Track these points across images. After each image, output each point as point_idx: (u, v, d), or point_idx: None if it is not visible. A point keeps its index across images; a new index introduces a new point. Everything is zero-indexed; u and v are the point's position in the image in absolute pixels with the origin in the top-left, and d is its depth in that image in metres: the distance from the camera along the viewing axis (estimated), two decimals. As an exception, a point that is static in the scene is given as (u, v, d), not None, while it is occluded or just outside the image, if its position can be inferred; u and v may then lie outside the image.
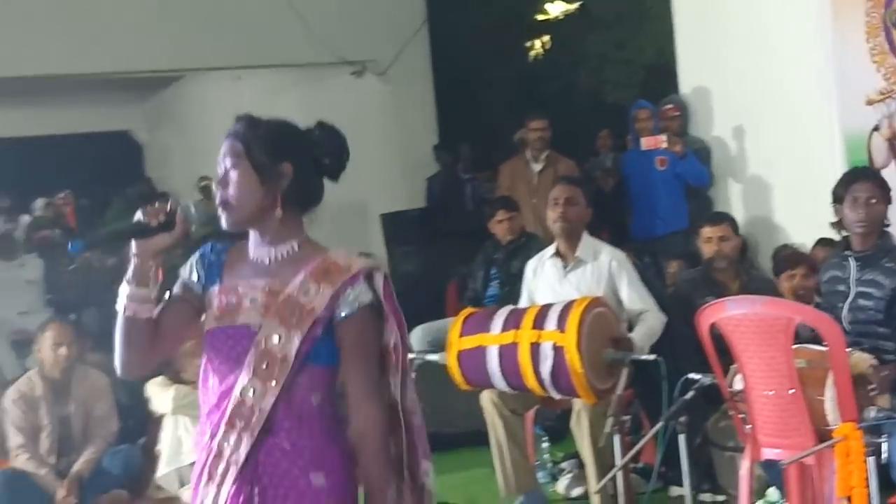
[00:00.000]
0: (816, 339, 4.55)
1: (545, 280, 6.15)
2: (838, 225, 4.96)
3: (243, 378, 2.35)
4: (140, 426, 7.22)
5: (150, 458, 6.87)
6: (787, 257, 6.80)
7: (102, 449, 6.77)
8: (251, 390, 2.34)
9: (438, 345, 6.26)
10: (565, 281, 6.01)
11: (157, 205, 2.40)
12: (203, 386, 2.50)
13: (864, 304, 4.72)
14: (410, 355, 6.40)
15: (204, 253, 2.54)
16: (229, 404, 2.36)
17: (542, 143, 8.69)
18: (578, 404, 5.57)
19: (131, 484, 6.80)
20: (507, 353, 5.50)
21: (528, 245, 7.25)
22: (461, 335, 5.76)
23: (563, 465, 6.41)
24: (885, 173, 5.98)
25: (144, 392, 6.95)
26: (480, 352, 5.62)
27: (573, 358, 5.20)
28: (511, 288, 6.96)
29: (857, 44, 7.32)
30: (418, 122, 12.99)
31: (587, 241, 6.09)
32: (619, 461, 5.19)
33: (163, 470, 6.71)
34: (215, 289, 2.47)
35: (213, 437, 2.39)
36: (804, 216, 7.47)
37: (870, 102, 7.26)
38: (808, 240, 7.27)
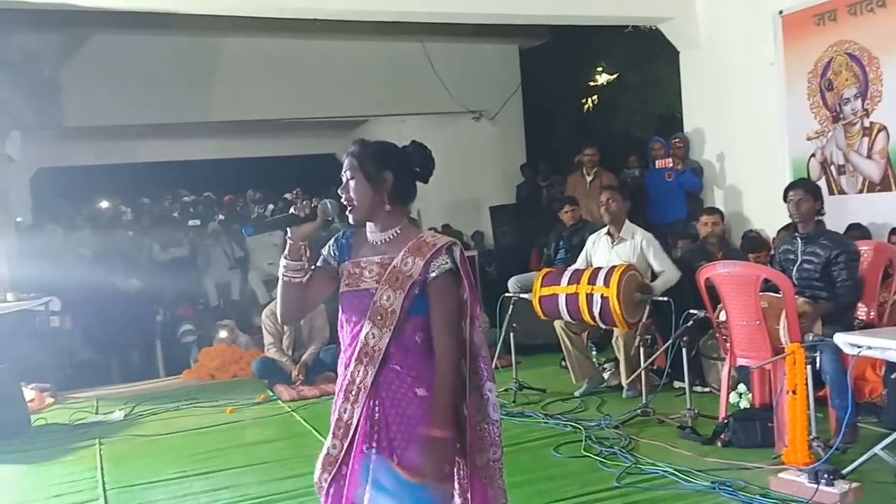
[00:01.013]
0: (774, 289, 4.65)
1: (599, 250, 6.29)
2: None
3: (366, 327, 2.31)
4: None
5: None
6: (753, 240, 6.83)
7: (320, 347, 7.21)
8: (372, 336, 2.30)
9: (526, 288, 6.55)
10: (612, 251, 6.15)
11: (305, 202, 2.41)
12: (340, 331, 2.45)
13: (807, 267, 4.78)
14: (509, 294, 6.68)
15: (338, 238, 2.48)
16: (357, 345, 2.33)
17: (593, 163, 8.75)
18: (616, 330, 5.90)
19: (336, 369, 7.40)
20: (571, 300, 5.85)
21: (583, 228, 7.24)
22: (541, 286, 6.08)
23: (606, 365, 6.43)
24: (820, 184, 6.19)
25: None
26: (554, 298, 5.98)
27: (614, 304, 5.54)
28: (572, 255, 6.98)
29: (801, 101, 7.44)
30: (513, 150, 12.96)
31: (628, 226, 6.20)
32: (642, 364, 5.56)
33: None
34: (346, 263, 2.42)
35: (346, 367, 2.36)
36: (762, 211, 7.62)
37: (809, 139, 7.43)
38: (764, 226, 7.43)
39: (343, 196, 2.38)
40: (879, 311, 5.17)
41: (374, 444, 2.29)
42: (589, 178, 8.75)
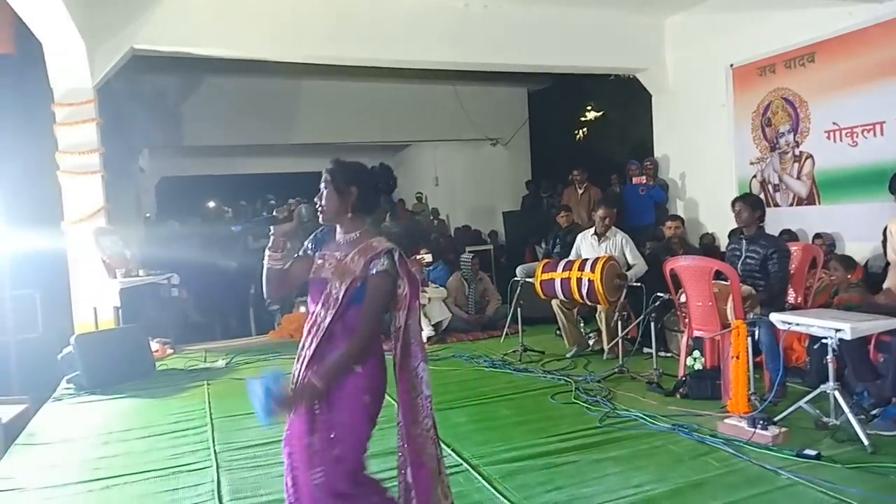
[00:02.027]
0: (723, 278, 4.60)
1: (586, 246, 6.28)
2: None
3: (319, 308, 2.24)
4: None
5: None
6: (709, 245, 7.13)
7: None
8: (320, 315, 2.23)
9: (530, 274, 6.50)
10: (598, 248, 6.16)
11: (284, 206, 2.35)
12: (307, 310, 2.36)
13: (749, 262, 4.72)
14: (517, 278, 6.70)
15: (316, 234, 2.42)
16: (311, 321, 2.27)
17: (582, 180, 8.66)
18: (600, 307, 5.86)
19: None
20: (565, 283, 5.88)
21: (574, 229, 7.16)
22: (542, 272, 6.10)
23: (591, 334, 6.35)
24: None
25: None
26: (552, 281, 6.00)
27: (598, 286, 5.58)
28: (565, 250, 6.92)
29: (746, 133, 7.49)
30: (521, 169, 13.04)
31: (613, 228, 6.20)
32: (619, 333, 5.66)
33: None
34: (317, 255, 2.35)
35: (302, 340, 2.28)
36: (714, 219, 7.73)
37: (751, 163, 7.48)
38: (714, 230, 7.58)
39: (317, 202, 2.30)
40: (805, 296, 5.10)
41: (312, 405, 2.18)
42: (580, 192, 8.72)
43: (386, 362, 2.30)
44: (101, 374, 5.62)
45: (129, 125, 9.16)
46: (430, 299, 7.24)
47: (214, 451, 4.01)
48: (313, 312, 2.27)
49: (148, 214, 11.87)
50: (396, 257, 2.23)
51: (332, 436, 2.18)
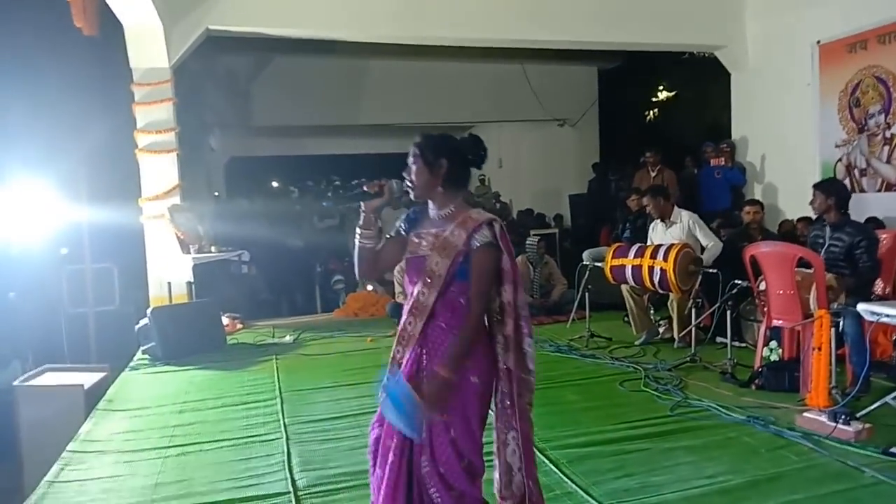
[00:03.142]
0: (807, 265, 4.48)
1: (658, 232, 6.14)
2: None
3: (419, 287, 2.19)
4: None
5: None
6: (790, 230, 6.77)
7: None
8: (422, 294, 2.18)
9: (597, 258, 6.44)
10: (667, 233, 6.02)
11: (374, 181, 2.29)
12: (405, 290, 2.33)
13: (834, 250, 4.57)
14: (585, 263, 6.63)
15: (408, 214, 2.37)
16: (412, 301, 2.22)
17: (655, 162, 8.34)
18: (672, 295, 5.73)
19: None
20: (636, 270, 5.72)
21: (644, 214, 6.88)
22: (612, 258, 5.96)
23: (661, 322, 6.24)
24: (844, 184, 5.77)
25: None
26: (622, 267, 5.85)
27: (671, 275, 5.42)
28: (634, 234, 6.89)
29: (832, 114, 7.19)
30: (589, 151, 12.79)
31: (676, 211, 6.04)
32: (693, 321, 5.44)
33: None
34: (412, 234, 2.29)
35: (404, 318, 2.24)
36: (794, 204, 7.23)
37: (837, 146, 7.20)
38: (794, 216, 7.09)
39: (406, 178, 2.26)
40: (894, 287, 4.91)
41: (421, 384, 2.13)
42: (653, 174, 8.42)
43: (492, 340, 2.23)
44: (175, 346, 5.85)
45: (202, 105, 9.45)
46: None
47: (284, 423, 4.11)
48: (414, 292, 2.21)
49: (217, 193, 12.22)
50: (497, 229, 2.18)
51: (444, 419, 2.13)
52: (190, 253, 6.71)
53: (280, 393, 4.78)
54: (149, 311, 6.01)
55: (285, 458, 3.57)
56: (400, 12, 7.18)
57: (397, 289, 7.38)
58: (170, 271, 6.73)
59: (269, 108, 11.39)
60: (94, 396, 4.79)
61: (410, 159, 2.25)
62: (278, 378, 5.19)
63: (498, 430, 2.25)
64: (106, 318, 7.15)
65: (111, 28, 6.55)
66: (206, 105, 9.79)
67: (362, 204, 2.28)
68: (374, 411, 4.16)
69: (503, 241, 2.18)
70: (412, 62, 11.22)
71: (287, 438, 3.85)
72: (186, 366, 5.64)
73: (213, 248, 6.98)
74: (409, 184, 2.25)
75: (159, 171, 6.88)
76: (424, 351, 2.18)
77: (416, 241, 2.27)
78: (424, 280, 2.17)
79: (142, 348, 6.00)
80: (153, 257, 6.86)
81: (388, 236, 2.35)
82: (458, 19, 7.32)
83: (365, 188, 2.29)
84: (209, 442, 3.86)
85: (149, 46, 6.68)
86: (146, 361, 5.83)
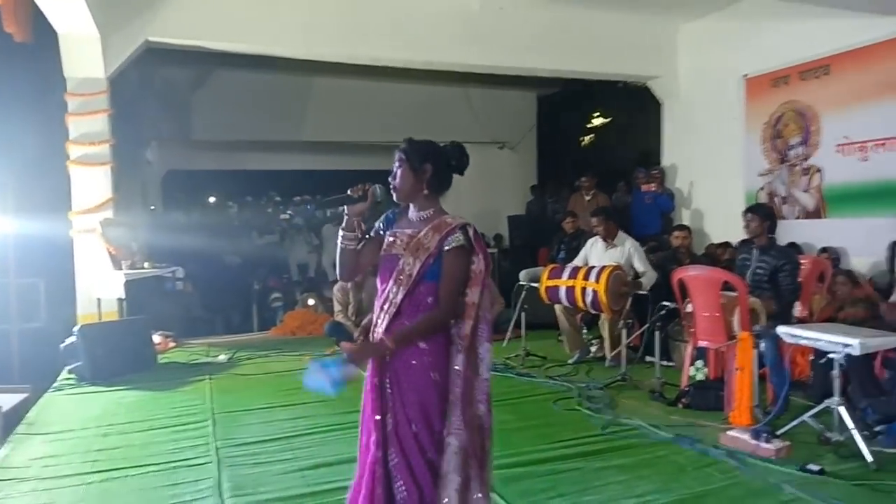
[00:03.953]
0: (731, 288, 4.56)
1: (595, 251, 6.21)
2: None
3: (391, 284, 2.24)
4: None
5: None
6: (714, 254, 6.88)
7: None
8: (392, 292, 2.23)
9: (533, 279, 6.43)
10: (606, 254, 6.10)
11: (358, 186, 2.31)
12: (378, 286, 2.36)
13: (759, 272, 4.67)
14: (521, 283, 6.63)
15: (387, 214, 2.40)
16: (382, 298, 2.27)
17: (590, 186, 8.52)
18: (603, 315, 5.82)
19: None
20: (570, 291, 5.78)
21: (580, 235, 7.17)
22: (547, 279, 6.01)
23: (593, 341, 6.27)
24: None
25: None
26: (556, 288, 5.90)
27: (602, 296, 5.53)
28: (569, 255, 6.96)
29: (756, 145, 7.47)
30: (527, 173, 12.96)
31: (620, 235, 6.15)
32: (623, 341, 5.55)
33: None
34: (387, 234, 2.34)
35: (375, 314, 2.31)
36: (720, 229, 7.59)
37: (760, 175, 7.47)
38: (720, 240, 7.28)
39: (391, 181, 2.30)
40: (811, 310, 5.08)
41: (384, 379, 2.22)
42: (587, 198, 8.64)
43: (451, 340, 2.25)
44: (103, 365, 5.62)
45: (139, 117, 9.17)
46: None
47: (215, 446, 3.98)
48: (385, 289, 2.27)
49: (153, 207, 11.85)
50: (471, 233, 2.24)
51: (407, 413, 2.19)
52: (122, 268, 6.47)
53: (212, 414, 4.63)
54: (76, 328, 5.76)
55: (215, 483, 3.45)
56: (342, 32, 7.15)
57: (336, 307, 7.28)
58: (100, 287, 6.46)
59: (209, 122, 11.11)
60: (13, 419, 4.54)
61: (396, 164, 2.29)
62: (211, 399, 5.04)
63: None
64: (30, 335, 6.82)
65: (45, 35, 6.30)
66: (143, 117, 9.50)
67: (346, 208, 2.30)
68: (309, 433, 4.16)
69: (477, 244, 2.25)
70: (356, 81, 11.14)
71: (218, 462, 3.72)
72: (114, 386, 5.42)
73: (146, 264, 6.75)
74: (394, 187, 2.29)
75: (92, 183, 6.63)
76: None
77: (391, 239, 2.31)
78: (396, 278, 2.22)
79: (67, 368, 5.73)
80: (83, 273, 6.59)
81: (367, 236, 2.39)
82: (400, 42, 7.34)
83: (349, 192, 2.31)
84: (135, 467, 3.69)
85: (84, 56, 6.47)
86: (72, 382, 5.57)
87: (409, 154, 2.28)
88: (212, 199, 12.91)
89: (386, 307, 2.24)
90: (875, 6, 5.82)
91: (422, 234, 2.24)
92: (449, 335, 2.25)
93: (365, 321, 7.36)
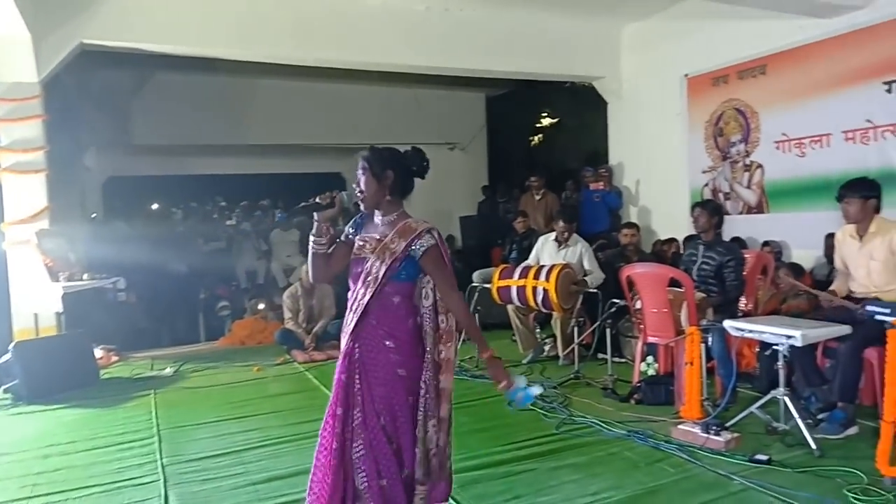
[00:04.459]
0: (678, 284, 4.61)
1: (547, 250, 6.27)
2: None
3: (359, 286, 2.38)
4: (344, 311, 7.55)
5: None
6: (660, 251, 7.08)
7: (328, 321, 6.99)
8: (360, 293, 2.37)
9: (486, 280, 6.54)
10: (558, 254, 6.16)
11: (326, 193, 2.41)
12: (350, 287, 2.48)
13: (705, 268, 4.75)
14: (474, 284, 6.76)
15: (355, 219, 2.54)
16: (352, 298, 2.41)
17: (540, 185, 8.63)
18: (555, 314, 5.88)
19: (340, 338, 7.37)
20: (521, 290, 5.84)
21: (531, 235, 7.27)
22: (499, 279, 6.08)
23: (546, 340, 6.31)
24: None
25: (347, 296, 7.53)
26: (508, 288, 5.96)
27: (553, 295, 5.60)
28: (521, 255, 7.01)
29: (699, 143, 7.62)
30: (479, 174, 12.96)
31: (574, 237, 6.22)
32: (575, 339, 5.66)
33: None
34: (356, 237, 2.47)
35: (345, 316, 2.45)
36: (667, 226, 7.78)
37: (703, 172, 7.63)
38: (667, 236, 7.44)
39: (356, 189, 2.41)
40: (755, 303, 5.19)
41: (353, 375, 2.37)
42: (537, 198, 8.72)
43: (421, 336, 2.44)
44: (42, 383, 5.40)
45: (76, 122, 8.86)
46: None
47: (161, 464, 3.87)
48: (354, 290, 2.40)
49: (95, 215, 11.48)
50: (436, 235, 2.40)
51: (375, 407, 2.35)
52: (59, 281, 6.22)
53: (158, 431, 4.49)
54: (11, 345, 5.52)
55: (162, 502, 3.34)
56: (285, 34, 7.03)
57: (287, 314, 7.17)
58: (36, 301, 6.21)
59: (150, 126, 10.86)
60: (-57, 443, 4.33)
61: (359, 171, 2.41)
62: (156, 414, 4.88)
63: (418, 422, 2.42)
64: (-38, 353, 6.50)
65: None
66: (81, 122, 9.18)
67: (315, 214, 2.42)
68: (261, 446, 4.07)
69: (442, 246, 2.42)
70: (302, 82, 11.06)
71: (165, 480, 3.61)
72: (54, 405, 5.21)
73: (85, 276, 6.50)
74: (359, 194, 2.41)
75: (26, 192, 6.35)
76: (357, 345, 2.38)
77: (361, 243, 2.45)
78: (364, 280, 2.37)
79: (2, 387, 5.48)
80: (17, 287, 6.32)
81: (338, 240, 2.52)
82: (344, 43, 7.26)
83: (318, 199, 2.41)
84: (77, 489, 3.54)
85: (15, 58, 6.20)
86: (7, 402, 5.32)
87: (371, 162, 2.39)
88: (155, 206, 12.56)
89: (355, 307, 2.38)
90: (807, 9, 6.01)
91: (388, 238, 2.37)
92: (417, 331, 2.41)
93: (317, 328, 7.27)
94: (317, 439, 3.98)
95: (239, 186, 14.55)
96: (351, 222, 2.52)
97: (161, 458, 3.96)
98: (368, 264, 2.36)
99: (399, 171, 2.41)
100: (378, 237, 2.39)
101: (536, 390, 2.51)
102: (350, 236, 2.50)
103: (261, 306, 8.17)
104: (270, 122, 11.49)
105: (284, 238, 10.06)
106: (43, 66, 6.34)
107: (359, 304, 2.36)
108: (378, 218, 2.44)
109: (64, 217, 7.23)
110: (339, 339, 7.40)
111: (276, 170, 15.21)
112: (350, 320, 2.39)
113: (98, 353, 6.40)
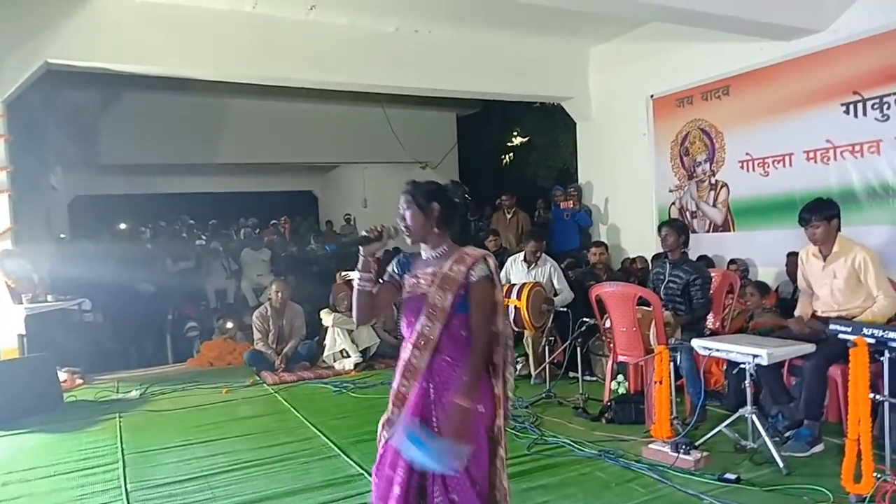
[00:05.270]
0: (646, 303, 4.64)
1: (516, 271, 6.28)
2: None
3: (422, 321, 2.27)
4: (315, 332, 7.27)
5: (320, 348, 7.04)
6: (630, 269, 7.13)
7: (298, 342, 6.99)
8: (427, 327, 2.27)
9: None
10: (528, 274, 6.17)
11: (373, 226, 2.35)
12: (402, 328, 2.40)
13: (672, 286, 4.78)
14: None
15: (399, 259, 2.45)
16: (415, 336, 2.29)
17: (511, 204, 8.71)
18: (527, 332, 5.84)
19: (311, 359, 6.99)
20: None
21: (502, 253, 7.22)
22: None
23: (518, 359, 6.01)
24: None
25: (318, 316, 7.12)
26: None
27: (524, 312, 5.58)
28: (493, 275, 7.25)
29: (665, 162, 7.71)
30: (449, 193, 13.42)
31: (544, 256, 6.24)
32: (546, 358, 5.66)
33: (326, 353, 6.94)
34: (407, 276, 2.39)
35: (405, 353, 2.32)
36: (635, 244, 7.94)
37: (670, 191, 7.70)
38: (635, 255, 7.61)
39: (402, 224, 2.35)
40: (722, 321, 5.25)
41: (430, 418, 2.25)
42: (508, 216, 8.75)
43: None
44: (2, 408, 5.23)
45: (41, 141, 8.69)
46: (358, 325, 7.10)
47: (126, 489, 3.77)
48: (415, 328, 2.29)
49: (63, 236, 11.25)
50: (492, 264, 2.32)
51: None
52: (22, 303, 6.07)
53: (122, 456, 4.38)
54: (-29, 369, 5.35)
55: (125, 530, 3.25)
56: (254, 53, 6.98)
57: (256, 335, 7.08)
58: (-2, 324, 6.03)
59: (119, 145, 10.75)
60: None
61: (403, 206, 2.35)
62: (121, 439, 4.76)
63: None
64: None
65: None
66: (47, 141, 9.01)
67: (361, 248, 2.34)
68: (228, 470, 3.97)
69: (495, 278, 2.32)
70: (273, 102, 11.04)
71: (129, 507, 3.51)
72: (15, 430, 5.06)
73: (49, 297, 6.35)
74: (406, 228, 2.35)
75: (-12, 213, 6.21)
76: (432, 385, 2.26)
77: (414, 281, 2.36)
78: (428, 313, 2.26)
79: (-39, 413, 5.29)
80: (-22, 309, 6.13)
81: (381, 280, 2.45)
82: (315, 63, 7.24)
83: (364, 233, 2.36)
84: (37, 518, 3.42)
85: (-23, 78, 6.09)
86: (-33, 427, 5.16)
87: (415, 195, 2.34)
88: (123, 225, 12.37)
89: (422, 344, 2.27)
90: (767, 32, 6.15)
91: (446, 268, 2.29)
92: (487, 367, 2.30)
93: (286, 349, 7.14)
94: (285, 462, 3.96)
95: (209, 205, 14.42)
96: (394, 262, 2.45)
97: (125, 484, 3.85)
98: (431, 298, 2.27)
99: (443, 202, 2.36)
100: (433, 271, 2.32)
101: (422, 458, 2.17)
102: (396, 276, 2.43)
103: (229, 326, 8.04)
104: (241, 140, 11.46)
105: (255, 257, 9.95)
106: (6, 85, 6.22)
107: (427, 341, 2.26)
108: (427, 252, 2.38)
109: (29, 237, 7.08)
110: (309, 360, 7.15)
111: (247, 188, 15.13)
112: (419, 359, 2.27)
113: (62, 375, 6.23)
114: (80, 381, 6.62)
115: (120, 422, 5.24)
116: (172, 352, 8.25)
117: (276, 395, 6.01)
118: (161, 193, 14.56)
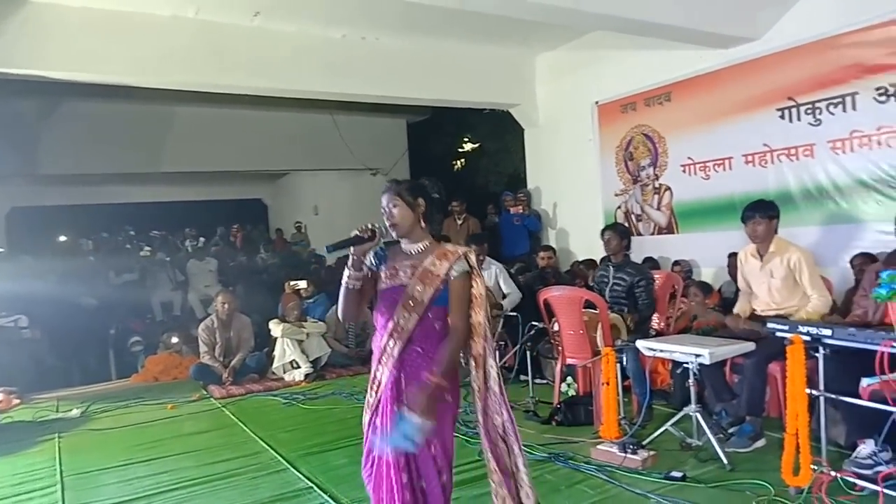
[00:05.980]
0: (593, 306, 4.68)
1: None
2: None
3: (399, 311, 2.32)
4: (265, 343, 7.19)
5: (269, 359, 6.97)
6: (578, 271, 7.10)
7: (246, 354, 6.90)
8: (402, 318, 2.32)
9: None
10: (475, 277, 6.49)
11: (366, 226, 2.37)
12: (376, 319, 2.44)
13: (616, 288, 4.85)
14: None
15: (376, 251, 2.47)
16: (391, 325, 2.34)
17: (461, 210, 8.70)
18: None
19: (260, 371, 6.92)
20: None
21: None
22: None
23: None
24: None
25: (267, 326, 7.03)
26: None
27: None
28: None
29: (611, 167, 7.81)
30: (402, 200, 13.33)
31: (487, 261, 6.29)
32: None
33: (275, 365, 6.88)
34: (383, 268, 2.44)
35: (381, 341, 2.38)
36: (583, 247, 7.92)
37: (616, 195, 7.81)
38: (583, 257, 7.57)
39: (388, 221, 2.39)
40: (667, 322, 5.33)
41: (401, 401, 2.31)
42: (459, 223, 8.76)
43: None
44: (-69, 432, 5.00)
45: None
46: (308, 335, 7.03)
47: (64, 514, 3.64)
48: (390, 318, 2.34)
49: (2, 249, 10.81)
50: (472, 259, 2.39)
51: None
52: (-47, 321, 5.80)
53: (61, 478, 4.21)
54: None
55: (63, 556, 3.12)
56: (198, 61, 6.83)
57: (203, 348, 6.93)
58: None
59: (59, 155, 10.39)
60: None
61: (390, 203, 2.39)
62: (60, 460, 4.59)
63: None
64: None
65: None
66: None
67: (352, 248, 2.37)
68: (172, 489, 3.86)
69: (475, 275, 2.39)
70: (219, 109, 10.80)
71: (66, 532, 3.37)
72: (-56, 456, 4.84)
73: (-18, 314, 6.08)
74: (393, 226, 2.39)
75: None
76: (403, 375, 2.33)
77: (393, 272, 2.41)
78: (406, 304, 2.31)
79: None
80: None
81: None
82: (262, 70, 7.12)
83: (357, 232, 2.37)
84: (-35, 549, 3.27)
85: None
86: None
87: (401, 192, 2.40)
88: (62, 238, 11.96)
89: (396, 334, 2.33)
90: (706, 40, 6.31)
91: (427, 262, 2.35)
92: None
93: (234, 361, 6.97)
94: (232, 478, 3.87)
95: (154, 214, 14.06)
96: (371, 254, 2.46)
97: (63, 509, 3.72)
98: (409, 290, 2.33)
99: (427, 198, 2.43)
100: (412, 264, 2.38)
101: (409, 446, 2.26)
102: (373, 268, 2.46)
103: (174, 340, 7.83)
104: (187, 148, 11.21)
105: (202, 268, 9.84)
106: (-66, 93, 5.94)
107: (402, 330, 2.32)
108: (408, 246, 2.44)
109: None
110: (258, 372, 7.02)
111: (193, 197, 14.82)
112: (392, 347, 2.34)
113: (-3, 396, 5.99)
114: (17, 400, 6.37)
115: (59, 443, 5.05)
116: (116, 367, 8.02)
117: (224, 409, 5.88)
118: (103, 204, 14.13)
